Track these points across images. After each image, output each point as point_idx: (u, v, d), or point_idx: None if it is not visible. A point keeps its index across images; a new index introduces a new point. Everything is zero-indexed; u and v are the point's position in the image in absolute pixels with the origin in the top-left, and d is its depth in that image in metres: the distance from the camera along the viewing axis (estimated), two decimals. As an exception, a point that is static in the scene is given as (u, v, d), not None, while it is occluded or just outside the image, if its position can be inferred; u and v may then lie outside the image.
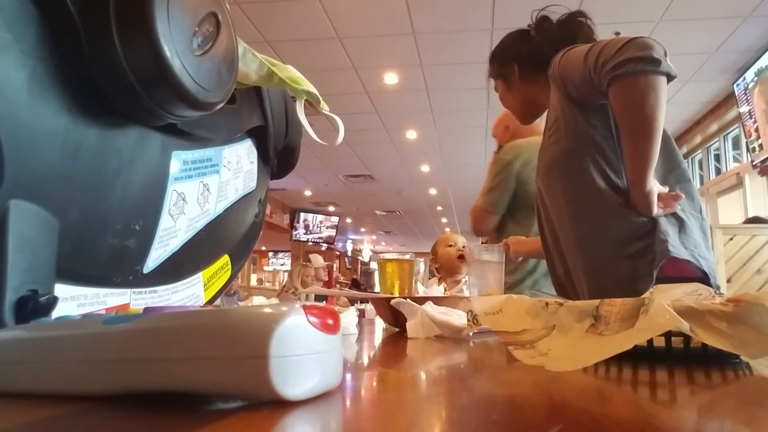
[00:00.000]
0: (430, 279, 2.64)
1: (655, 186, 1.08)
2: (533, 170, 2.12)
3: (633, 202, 1.11)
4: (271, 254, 16.04)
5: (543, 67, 1.28)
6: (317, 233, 11.12)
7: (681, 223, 1.11)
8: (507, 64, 1.41)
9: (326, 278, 6.02)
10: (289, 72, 0.66)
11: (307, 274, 5.07)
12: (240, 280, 8.29)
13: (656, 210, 1.08)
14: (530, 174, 1.91)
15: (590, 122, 1.15)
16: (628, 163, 1.10)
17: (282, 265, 15.09)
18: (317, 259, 5.51)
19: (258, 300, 1.13)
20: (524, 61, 1.37)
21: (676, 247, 1.06)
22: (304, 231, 10.92)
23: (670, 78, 1.02)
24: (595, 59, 1.04)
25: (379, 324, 1.15)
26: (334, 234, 11.48)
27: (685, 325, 0.42)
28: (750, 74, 4.36)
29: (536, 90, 1.37)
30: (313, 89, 0.69)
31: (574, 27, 1.31)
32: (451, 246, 2.55)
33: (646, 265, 1.07)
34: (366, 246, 16.78)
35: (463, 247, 2.53)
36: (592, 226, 1.16)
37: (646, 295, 0.61)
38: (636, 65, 0.99)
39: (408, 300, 0.83)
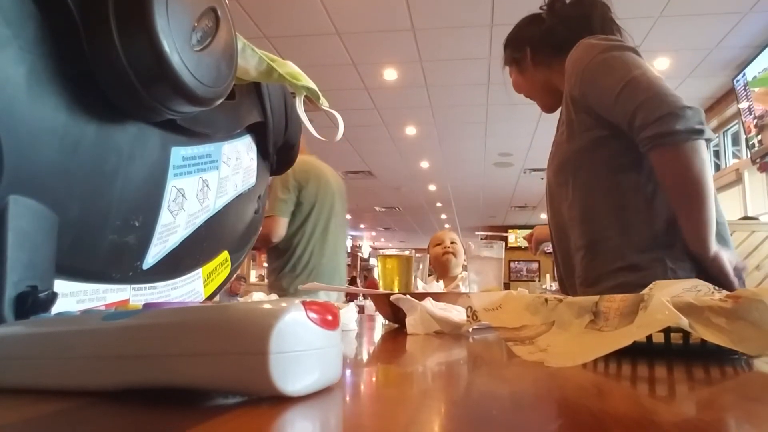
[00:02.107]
0: (429, 276, 2.67)
1: (721, 250, 1.03)
2: (306, 181, 2.39)
3: (706, 272, 1.03)
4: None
5: (556, 49, 1.26)
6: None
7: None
8: (520, 48, 1.37)
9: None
10: (289, 68, 0.66)
11: None
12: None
13: (731, 274, 1.02)
14: (304, 185, 2.39)
15: (601, 123, 1.13)
16: (688, 234, 1.04)
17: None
18: None
19: (257, 296, 1.13)
20: (536, 43, 1.33)
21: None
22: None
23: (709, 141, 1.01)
24: (632, 116, 1.02)
25: (379, 320, 1.15)
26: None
27: (684, 321, 0.42)
28: (751, 72, 4.36)
29: (549, 74, 1.33)
30: (312, 85, 0.69)
31: (588, 5, 1.27)
32: (438, 245, 2.60)
33: (643, 278, 1.06)
34: (365, 242, 16.79)
35: (452, 243, 2.57)
36: (599, 231, 1.13)
37: (645, 291, 0.61)
38: (677, 137, 0.98)
39: (408, 296, 0.83)
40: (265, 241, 2.33)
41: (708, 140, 1.01)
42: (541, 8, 1.35)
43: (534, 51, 1.34)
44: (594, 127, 1.14)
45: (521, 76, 1.40)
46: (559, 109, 1.38)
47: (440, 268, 2.57)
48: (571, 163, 1.20)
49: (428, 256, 2.58)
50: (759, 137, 4.34)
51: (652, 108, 1.00)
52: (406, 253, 1.19)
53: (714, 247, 1.02)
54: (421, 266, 1.23)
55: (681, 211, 1.04)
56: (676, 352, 0.48)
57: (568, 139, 1.20)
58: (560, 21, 1.28)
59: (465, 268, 2.55)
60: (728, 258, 1.03)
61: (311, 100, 0.71)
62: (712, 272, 1.03)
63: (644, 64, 1.09)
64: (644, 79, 1.04)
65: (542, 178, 7.99)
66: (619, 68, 1.08)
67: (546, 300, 0.54)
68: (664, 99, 1.00)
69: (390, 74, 4.85)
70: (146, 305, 0.34)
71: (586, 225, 1.18)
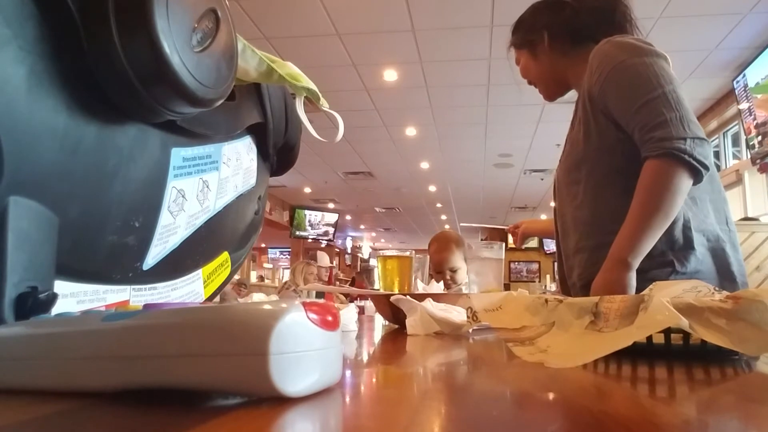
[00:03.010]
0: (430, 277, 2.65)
1: (632, 276, 1.03)
2: None
3: (603, 268, 1.07)
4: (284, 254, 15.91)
5: (575, 38, 1.25)
6: (318, 230, 11.15)
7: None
8: (536, 30, 1.32)
9: (326, 279, 6.02)
10: (289, 69, 0.66)
11: (310, 272, 5.06)
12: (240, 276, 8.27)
13: (625, 291, 1.04)
14: None
15: (618, 126, 1.12)
16: (621, 234, 1.05)
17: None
18: (324, 258, 5.48)
19: (258, 297, 1.13)
20: (556, 28, 1.29)
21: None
22: (311, 228, 10.98)
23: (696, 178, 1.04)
24: (651, 128, 1.03)
25: (379, 321, 1.15)
26: (334, 231, 11.49)
27: (684, 322, 0.42)
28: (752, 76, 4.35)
29: (562, 62, 1.30)
30: (312, 86, 0.69)
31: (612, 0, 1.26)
32: (439, 273, 2.47)
33: (649, 281, 1.05)
34: (366, 243, 16.78)
35: (452, 272, 2.48)
36: (608, 234, 1.11)
37: (645, 291, 0.61)
38: (683, 158, 1.00)
39: (408, 297, 0.83)
40: None
41: (698, 180, 1.03)
42: None
43: (552, 36, 1.30)
44: (611, 128, 1.13)
45: (533, 60, 1.35)
46: (560, 106, 1.37)
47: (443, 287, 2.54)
48: (585, 163, 1.19)
49: (428, 257, 2.55)
50: (759, 138, 4.34)
51: (674, 127, 1.01)
52: (407, 253, 1.18)
53: (630, 261, 1.03)
54: (421, 267, 1.22)
55: (634, 216, 1.04)
56: (676, 353, 0.48)
57: (584, 138, 1.19)
58: (585, 8, 1.27)
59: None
60: (632, 284, 1.04)
61: (311, 101, 0.71)
62: (608, 274, 1.05)
63: (674, 77, 1.08)
64: (674, 96, 1.04)
65: (542, 179, 8.03)
66: (650, 78, 1.07)
67: (546, 301, 0.54)
68: (688, 124, 1.01)
69: (390, 75, 4.85)
70: (146, 306, 0.34)
71: (593, 227, 1.17)
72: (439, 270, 2.48)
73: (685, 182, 1.02)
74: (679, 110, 1.02)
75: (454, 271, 2.48)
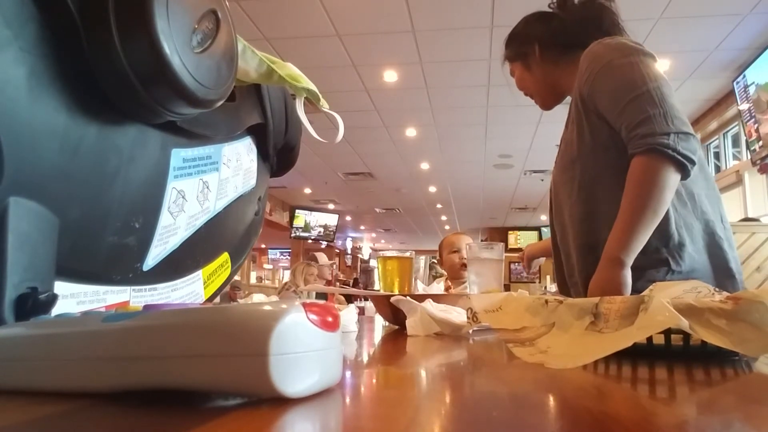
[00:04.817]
0: (436, 278, 2.68)
1: (627, 274, 1.04)
2: None
3: (599, 268, 1.08)
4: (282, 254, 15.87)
5: (565, 47, 1.26)
6: (317, 231, 11.16)
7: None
8: (527, 43, 1.34)
9: (330, 277, 6.01)
10: (289, 69, 0.66)
11: (310, 272, 5.05)
12: (239, 277, 8.27)
13: (621, 291, 1.04)
14: None
15: (609, 124, 1.13)
16: (613, 233, 1.06)
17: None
18: (322, 258, 5.49)
19: (258, 298, 1.13)
20: (547, 39, 1.32)
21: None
22: (312, 231, 11.02)
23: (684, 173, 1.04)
24: (636, 126, 1.04)
25: (379, 322, 1.15)
26: (334, 232, 11.50)
27: (684, 323, 0.42)
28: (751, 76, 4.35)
29: (555, 71, 1.32)
30: (312, 87, 0.69)
31: (598, 8, 1.28)
32: (454, 252, 2.57)
33: (645, 279, 1.06)
34: (366, 244, 16.77)
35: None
36: (601, 230, 1.11)
37: (645, 292, 0.61)
38: (666, 153, 1.00)
39: (408, 297, 0.83)
40: None
41: (685, 174, 1.03)
42: (549, 5, 1.34)
43: (543, 47, 1.32)
44: (604, 128, 1.14)
45: (527, 72, 1.37)
46: (557, 107, 1.38)
47: (453, 273, 2.57)
48: (578, 161, 1.20)
49: (428, 257, 2.58)
50: (760, 143, 4.33)
51: (658, 123, 1.02)
52: (407, 254, 1.18)
53: (623, 258, 1.03)
54: (421, 268, 1.22)
55: (624, 214, 1.05)
56: (676, 354, 0.48)
57: (578, 138, 1.20)
58: (572, 17, 1.29)
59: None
60: (627, 282, 1.04)
61: (311, 102, 0.71)
62: (603, 273, 1.05)
63: (661, 75, 1.09)
64: (658, 93, 1.05)
65: (542, 180, 8.03)
66: (635, 77, 1.08)
67: (546, 301, 0.54)
68: (672, 119, 1.02)
69: (390, 76, 4.85)
70: (146, 307, 0.34)
71: (587, 224, 1.17)
72: (456, 249, 2.57)
73: (671, 177, 1.02)
74: (663, 106, 1.03)
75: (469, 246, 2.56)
